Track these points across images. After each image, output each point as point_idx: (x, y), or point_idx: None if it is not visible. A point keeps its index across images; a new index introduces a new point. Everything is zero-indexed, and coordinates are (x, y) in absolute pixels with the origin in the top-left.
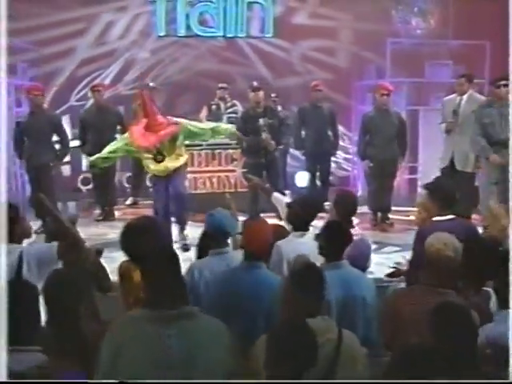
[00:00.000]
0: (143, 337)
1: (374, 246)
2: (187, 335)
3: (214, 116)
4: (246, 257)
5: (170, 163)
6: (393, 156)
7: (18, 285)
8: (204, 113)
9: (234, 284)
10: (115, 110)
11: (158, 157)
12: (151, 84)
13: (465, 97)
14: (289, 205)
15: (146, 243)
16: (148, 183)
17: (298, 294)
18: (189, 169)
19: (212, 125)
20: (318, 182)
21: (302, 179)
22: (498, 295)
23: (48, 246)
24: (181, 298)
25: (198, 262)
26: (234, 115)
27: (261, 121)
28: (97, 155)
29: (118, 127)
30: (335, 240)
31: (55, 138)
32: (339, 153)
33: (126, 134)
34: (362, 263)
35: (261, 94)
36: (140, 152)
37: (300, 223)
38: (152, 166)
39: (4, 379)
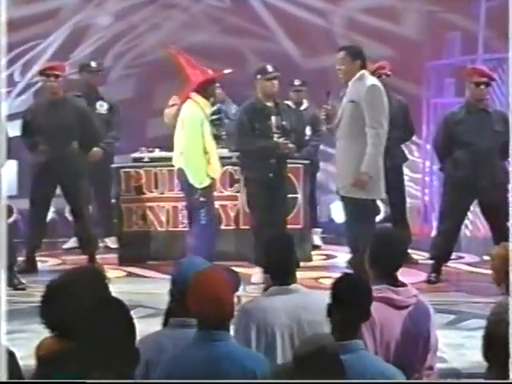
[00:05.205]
0: None
1: (446, 318)
2: None
3: None
4: (199, 326)
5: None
6: (494, 180)
7: None
8: (173, 109)
9: (183, 365)
10: (77, 106)
11: None
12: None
13: (350, 82)
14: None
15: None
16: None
17: None
18: (166, 193)
19: (215, 154)
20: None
21: (340, 211)
22: None
23: None
24: None
25: (147, 337)
26: (217, 116)
27: (273, 119)
28: (203, 174)
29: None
30: (349, 311)
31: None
32: (405, 171)
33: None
34: None
35: (276, 83)
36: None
37: (278, 273)
38: None
39: (4, 379)
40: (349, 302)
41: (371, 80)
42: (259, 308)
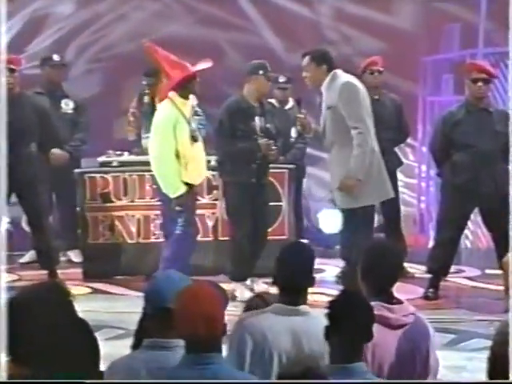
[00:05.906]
0: None
1: (445, 338)
2: None
3: (146, 115)
4: (188, 348)
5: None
6: (496, 186)
7: None
8: (133, 105)
9: None
10: (35, 103)
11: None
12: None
13: (323, 87)
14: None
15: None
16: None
17: None
18: (136, 201)
19: (195, 158)
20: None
21: (328, 220)
22: None
23: None
24: None
25: (117, 361)
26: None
27: (256, 120)
28: (175, 182)
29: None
30: (348, 331)
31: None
32: (399, 176)
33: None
34: None
35: (270, 84)
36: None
37: (287, 288)
38: None
39: (4, 379)
40: (347, 321)
41: (343, 77)
42: (259, 325)
